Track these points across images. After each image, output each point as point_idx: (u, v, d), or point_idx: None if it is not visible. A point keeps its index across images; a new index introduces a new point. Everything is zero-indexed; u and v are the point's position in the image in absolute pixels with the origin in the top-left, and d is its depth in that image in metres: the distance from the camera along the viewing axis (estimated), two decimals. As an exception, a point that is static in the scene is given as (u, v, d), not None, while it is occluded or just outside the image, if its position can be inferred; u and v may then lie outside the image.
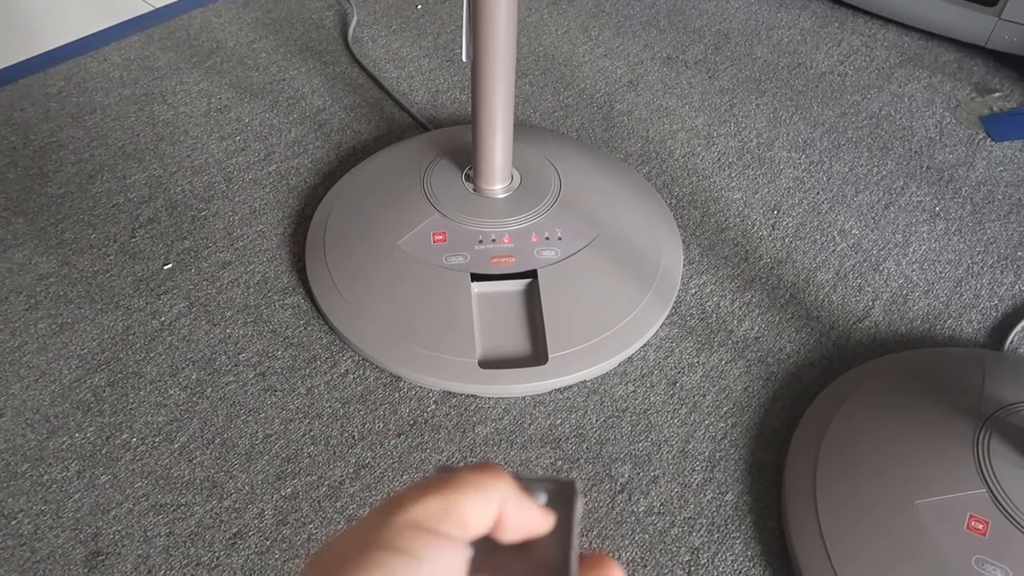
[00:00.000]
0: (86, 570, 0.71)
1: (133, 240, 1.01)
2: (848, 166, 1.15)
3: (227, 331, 0.91)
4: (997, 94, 1.29)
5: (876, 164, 1.16)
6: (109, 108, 1.21)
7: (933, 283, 0.99)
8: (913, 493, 0.72)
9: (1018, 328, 0.93)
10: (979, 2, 1.31)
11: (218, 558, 0.73)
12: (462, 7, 0.83)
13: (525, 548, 0.26)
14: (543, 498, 0.27)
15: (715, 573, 0.73)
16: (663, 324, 0.93)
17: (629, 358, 0.90)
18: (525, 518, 0.26)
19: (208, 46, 1.34)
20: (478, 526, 0.24)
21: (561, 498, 0.27)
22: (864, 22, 1.44)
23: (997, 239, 1.05)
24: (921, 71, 1.33)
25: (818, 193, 1.11)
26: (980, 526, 0.69)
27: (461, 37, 0.85)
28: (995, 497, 0.70)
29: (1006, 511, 0.70)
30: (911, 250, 1.03)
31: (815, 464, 0.77)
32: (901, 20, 1.42)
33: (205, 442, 0.81)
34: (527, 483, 0.27)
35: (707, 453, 0.82)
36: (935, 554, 0.68)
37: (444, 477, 0.25)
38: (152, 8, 1.41)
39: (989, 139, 1.20)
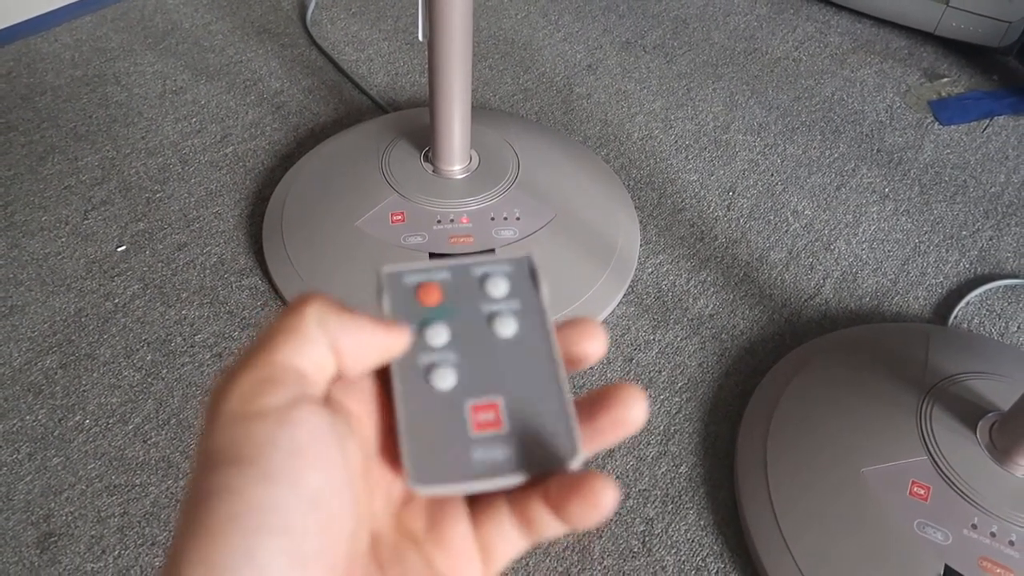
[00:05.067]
0: (38, 552, 0.71)
1: (86, 222, 1.00)
2: (801, 149, 1.17)
3: (183, 312, 0.90)
4: (945, 79, 1.32)
5: (828, 147, 1.18)
6: (60, 89, 1.19)
7: (882, 261, 1.02)
8: (859, 461, 0.74)
9: (961, 304, 0.96)
10: (928, -10, 1.34)
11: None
12: (418, -14, 0.83)
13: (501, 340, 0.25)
14: (503, 286, 0.25)
15: (669, 542, 0.74)
16: (620, 302, 0.94)
17: (586, 336, 0.91)
18: (364, 340, 0.22)
19: (163, 27, 1.32)
20: (312, 367, 0.21)
21: (524, 286, 0.26)
22: (818, 9, 1.46)
23: (943, 219, 1.08)
24: (873, 57, 1.36)
25: (772, 175, 1.13)
26: (922, 491, 0.72)
27: (418, 17, 0.84)
28: (936, 464, 0.73)
29: (946, 477, 0.72)
30: (861, 230, 1.06)
31: (766, 436, 0.79)
32: (854, 7, 1.44)
33: (160, 423, 0.80)
34: (472, 266, 0.25)
35: (662, 427, 0.83)
36: (879, 519, 0.71)
37: (255, 337, 0.21)
38: (104, -12, 1.38)
39: (937, 123, 1.24)
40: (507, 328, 0.25)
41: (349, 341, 0.22)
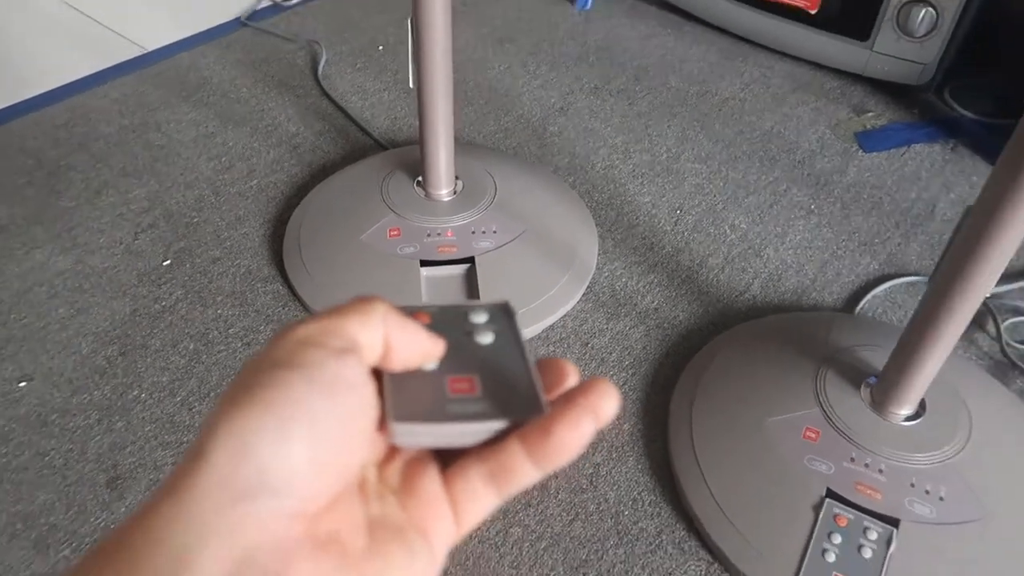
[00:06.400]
0: (108, 490, 0.89)
1: (136, 242, 1.20)
2: (742, 174, 1.37)
3: (218, 312, 1.10)
4: (870, 113, 1.52)
5: (765, 172, 1.38)
6: (111, 136, 1.40)
7: (804, 265, 1.21)
8: (764, 414, 0.92)
9: (868, 297, 1.15)
10: (855, 38, 1.55)
11: (215, 481, 0.90)
12: (407, 42, 1.04)
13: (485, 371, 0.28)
14: (484, 316, 0.29)
15: (611, 481, 0.92)
16: (579, 300, 1.13)
17: (551, 326, 1.09)
18: (412, 339, 0.27)
19: (196, 82, 1.54)
20: (366, 344, 0.25)
21: (501, 317, 0.30)
22: (763, 56, 1.68)
23: (860, 230, 1.27)
24: (809, 96, 1.57)
25: (715, 196, 1.32)
26: (813, 435, 0.89)
27: (408, 67, 1.05)
28: (826, 414, 0.91)
29: (833, 423, 0.90)
30: (788, 239, 1.25)
31: (692, 399, 0.97)
32: (794, 53, 1.66)
33: (202, 395, 0.99)
34: (463, 309, 0.29)
35: (611, 396, 1.01)
36: (777, 457, 0.88)
37: (328, 309, 0.25)
38: (145, 51, 1.61)
39: (861, 151, 1.43)
40: (485, 338, 0.29)
41: (400, 338, 0.26)
